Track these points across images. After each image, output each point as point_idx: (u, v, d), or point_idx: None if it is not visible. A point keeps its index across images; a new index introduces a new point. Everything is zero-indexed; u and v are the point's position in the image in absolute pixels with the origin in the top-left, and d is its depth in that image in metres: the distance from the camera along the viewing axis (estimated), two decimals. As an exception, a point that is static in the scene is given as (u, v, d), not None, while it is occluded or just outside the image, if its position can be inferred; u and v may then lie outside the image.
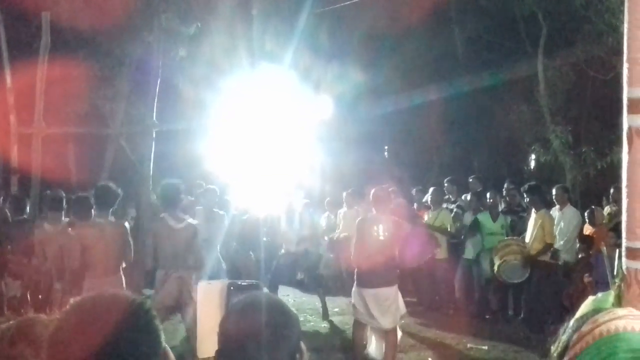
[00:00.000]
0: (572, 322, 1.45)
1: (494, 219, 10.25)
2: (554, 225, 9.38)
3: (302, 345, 1.94)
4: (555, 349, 1.45)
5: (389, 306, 7.18)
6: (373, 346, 7.59)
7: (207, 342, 1.99)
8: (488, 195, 10.65)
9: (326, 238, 12.00)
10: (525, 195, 9.96)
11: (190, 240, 7.05)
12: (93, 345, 1.49)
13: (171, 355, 1.72)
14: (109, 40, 13.17)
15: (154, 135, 12.30)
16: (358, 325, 7.52)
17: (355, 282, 7.38)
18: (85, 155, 15.26)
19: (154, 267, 7.11)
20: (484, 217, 10.30)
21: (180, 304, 6.93)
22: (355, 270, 7.40)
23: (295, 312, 1.98)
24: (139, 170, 12.69)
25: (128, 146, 14.41)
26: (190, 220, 7.26)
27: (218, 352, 1.89)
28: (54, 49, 12.55)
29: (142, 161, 12.52)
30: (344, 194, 12.25)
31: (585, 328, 1.39)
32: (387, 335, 7.28)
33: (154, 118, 12.32)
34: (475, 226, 10.28)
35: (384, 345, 7.32)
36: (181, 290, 6.86)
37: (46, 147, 12.74)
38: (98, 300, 1.61)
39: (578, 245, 9.83)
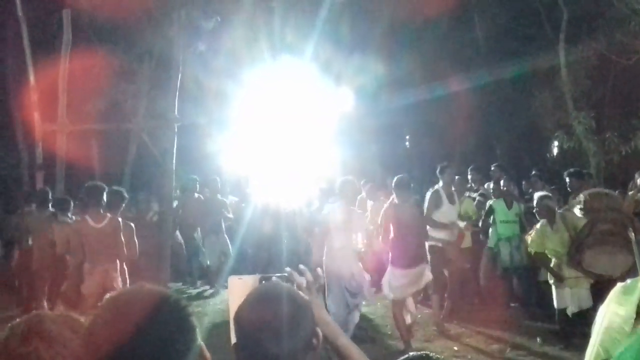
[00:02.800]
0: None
1: (509, 207, 10.19)
2: None
3: (318, 330, 1.96)
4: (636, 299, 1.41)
5: (420, 281, 8.05)
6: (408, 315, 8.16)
7: None
8: (502, 182, 10.60)
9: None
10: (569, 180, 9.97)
11: (113, 235, 7.70)
12: (127, 341, 1.49)
13: (206, 353, 1.73)
14: (129, 36, 13.26)
15: (175, 130, 12.37)
16: (396, 304, 8.02)
17: (391, 265, 8.02)
18: (109, 150, 15.39)
19: (82, 261, 7.72)
20: (499, 205, 10.24)
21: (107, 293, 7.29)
22: (392, 253, 8.04)
23: (307, 298, 1.99)
24: (161, 164, 12.77)
25: (150, 141, 14.51)
26: (111, 216, 7.79)
27: (235, 345, 1.91)
28: (76, 46, 12.67)
29: (164, 155, 12.60)
30: (364, 189, 12.19)
31: None
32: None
33: (176, 112, 12.39)
34: (490, 213, 10.25)
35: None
36: (105, 281, 7.53)
37: (70, 143, 12.88)
38: (134, 295, 1.61)
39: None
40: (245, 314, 1.89)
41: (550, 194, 8.83)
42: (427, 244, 8.58)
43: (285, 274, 2.12)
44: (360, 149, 15.47)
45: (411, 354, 2.20)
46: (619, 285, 2.06)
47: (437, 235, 9.09)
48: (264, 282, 2.09)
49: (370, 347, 7.98)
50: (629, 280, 2.08)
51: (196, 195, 12.81)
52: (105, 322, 1.55)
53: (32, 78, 13.40)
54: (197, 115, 13.85)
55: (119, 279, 7.65)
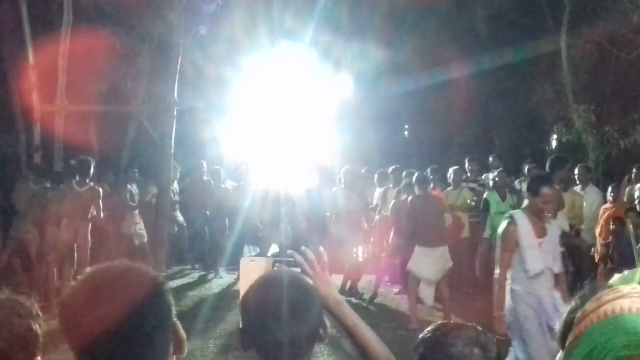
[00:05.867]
0: (575, 299, 1.44)
1: (503, 198, 10.24)
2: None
3: (326, 320, 1.96)
4: (558, 328, 1.44)
5: (443, 261, 9.15)
6: (426, 293, 9.20)
7: None
8: (495, 174, 10.64)
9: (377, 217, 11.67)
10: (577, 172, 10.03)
11: (92, 200, 9.62)
12: (102, 314, 1.51)
13: (181, 331, 1.72)
14: (130, 18, 13.18)
15: (175, 113, 12.34)
16: (413, 284, 9.19)
17: (417, 245, 9.11)
18: (107, 133, 15.32)
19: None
20: (492, 197, 10.29)
21: (78, 245, 9.59)
22: (418, 234, 9.14)
23: (315, 287, 1.99)
24: (160, 147, 12.75)
25: (149, 124, 14.46)
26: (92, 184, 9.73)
27: (241, 330, 1.92)
28: (76, 27, 12.60)
29: (163, 139, 12.58)
30: (376, 174, 12.18)
31: (589, 306, 1.37)
32: (440, 285, 9.21)
33: (175, 96, 12.36)
34: (486, 206, 10.29)
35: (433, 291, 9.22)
36: (77, 235, 9.53)
37: (68, 125, 12.84)
38: (112, 269, 1.62)
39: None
40: (251, 298, 1.89)
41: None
42: None
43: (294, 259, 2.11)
44: (359, 136, 15.44)
45: (428, 328, 2.19)
46: (616, 276, 2.05)
47: None
48: (276, 264, 2.08)
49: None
50: (625, 272, 2.07)
51: (205, 178, 12.91)
52: (81, 293, 1.56)
53: (31, 58, 13.33)
54: (196, 100, 13.81)
55: (89, 235, 9.65)
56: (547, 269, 5.74)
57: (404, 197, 10.05)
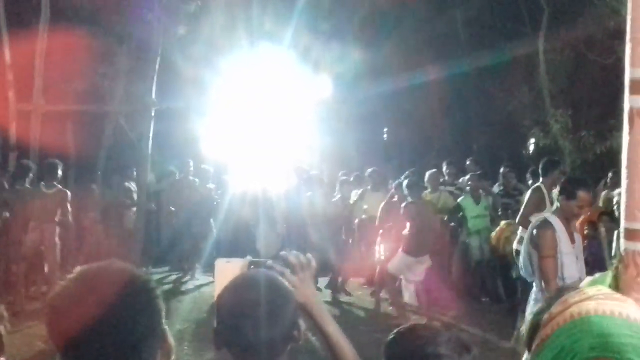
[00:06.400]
0: (542, 301, 1.44)
1: (476, 202, 10.32)
2: None
3: (301, 321, 1.95)
4: (525, 330, 1.44)
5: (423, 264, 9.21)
6: (406, 293, 9.39)
7: None
8: (467, 178, 10.72)
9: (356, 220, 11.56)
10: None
11: (59, 201, 9.55)
12: (90, 315, 1.47)
13: (170, 338, 1.69)
14: (109, 17, 13.08)
15: (153, 114, 12.28)
16: (391, 281, 9.32)
17: (404, 252, 9.09)
18: (84, 133, 15.18)
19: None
20: (466, 201, 10.37)
21: (45, 247, 9.55)
22: (408, 243, 9.09)
23: (290, 288, 1.98)
24: (137, 148, 12.68)
25: (127, 124, 14.37)
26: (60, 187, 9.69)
27: (215, 330, 1.90)
28: (54, 25, 12.48)
29: (140, 139, 12.51)
30: (352, 177, 12.16)
31: (555, 309, 1.38)
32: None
33: (153, 96, 12.29)
34: (459, 210, 10.36)
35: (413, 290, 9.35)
36: (43, 238, 9.46)
37: (45, 124, 12.71)
38: (103, 270, 1.59)
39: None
40: (225, 299, 1.88)
41: None
42: None
43: (273, 260, 2.09)
44: (339, 137, 15.44)
45: (400, 328, 2.18)
46: (587, 279, 2.06)
47: None
48: (252, 267, 2.06)
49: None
50: (597, 274, 2.09)
51: (190, 178, 12.83)
52: (70, 294, 1.52)
53: (7, 56, 13.18)
54: (174, 100, 13.74)
55: (57, 237, 9.57)
56: (580, 279, 5.47)
57: (395, 199, 9.99)
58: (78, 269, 1.60)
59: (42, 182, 9.69)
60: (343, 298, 10.59)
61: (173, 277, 12.17)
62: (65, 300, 1.52)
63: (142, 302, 1.56)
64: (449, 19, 18.48)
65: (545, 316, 1.38)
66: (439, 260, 9.98)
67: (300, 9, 13.60)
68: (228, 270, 2.05)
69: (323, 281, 10.78)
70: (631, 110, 2.10)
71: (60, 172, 9.73)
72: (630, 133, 2.09)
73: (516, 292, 9.15)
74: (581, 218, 9.38)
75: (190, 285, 11.51)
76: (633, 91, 2.10)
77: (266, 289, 1.87)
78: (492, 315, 9.34)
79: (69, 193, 9.77)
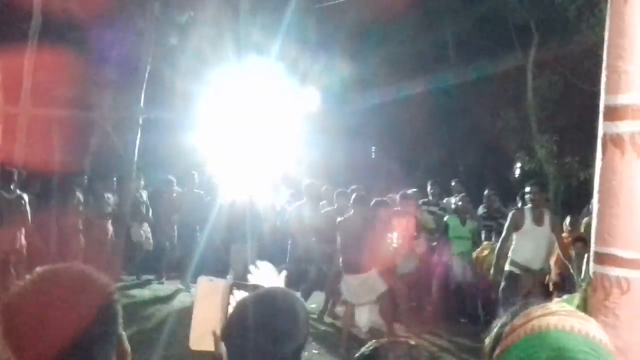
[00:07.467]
0: (507, 313, 1.46)
1: (463, 223, 10.34)
2: None
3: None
4: (488, 341, 1.46)
5: (368, 286, 8.51)
6: (360, 318, 8.68)
7: (200, 336, 1.97)
8: (458, 198, 10.75)
9: None
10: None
11: (20, 206, 9.96)
12: (45, 315, 1.48)
13: (126, 344, 1.68)
14: (100, 25, 13.09)
15: (140, 122, 12.26)
16: (348, 309, 8.79)
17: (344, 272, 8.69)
18: (71, 139, 15.12)
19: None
20: (453, 221, 10.37)
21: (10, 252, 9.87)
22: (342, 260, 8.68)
23: (307, 311, 1.97)
24: (123, 156, 12.63)
25: (114, 132, 14.33)
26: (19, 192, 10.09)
27: (222, 333, 1.88)
28: (45, 32, 12.46)
29: (126, 148, 12.47)
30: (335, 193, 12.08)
31: (517, 321, 1.40)
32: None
33: (141, 105, 12.29)
34: (445, 228, 10.39)
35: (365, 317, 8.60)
36: (14, 240, 9.84)
37: (31, 130, 12.65)
38: (61, 271, 1.60)
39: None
40: (242, 316, 1.86)
41: None
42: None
43: (255, 284, 2.09)
44: (326, 150, 15.41)
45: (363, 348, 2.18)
46: (556, 300, 2.09)
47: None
48: (234, 288, 2.05)
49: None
50: (565, 296, 2.11)
51: (196, 190, 12.52)
52: (25, 294, 1.53)
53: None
54: (163, 110, 13.72)
55: (23, 240, 10.00)
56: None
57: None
58: (38, 270, 1.60)
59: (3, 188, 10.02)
60: (326, 319, 10.40)
61: (160, 287, 12.03)
62: (20, 299, 1.52)
63: (98, 305, 1.56)
64: (438, 37, 18.59)
65: (508, 328, 1.40)
66: (419, 278, 9.97)
67: (288, 21, 13.63)
68: (210, 288, 2.05)
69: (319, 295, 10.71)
70: (604, 136, 2.13)
71: (15, 178, 10.14)
72: (602, 159, 2.12)
73: (496, 313, 9.20)
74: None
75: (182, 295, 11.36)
76: (606, 117, 2.13)
77: (283, 307, 1.87)
78: (470, 337, 9.34)
79: (27, 197, 10.17)
